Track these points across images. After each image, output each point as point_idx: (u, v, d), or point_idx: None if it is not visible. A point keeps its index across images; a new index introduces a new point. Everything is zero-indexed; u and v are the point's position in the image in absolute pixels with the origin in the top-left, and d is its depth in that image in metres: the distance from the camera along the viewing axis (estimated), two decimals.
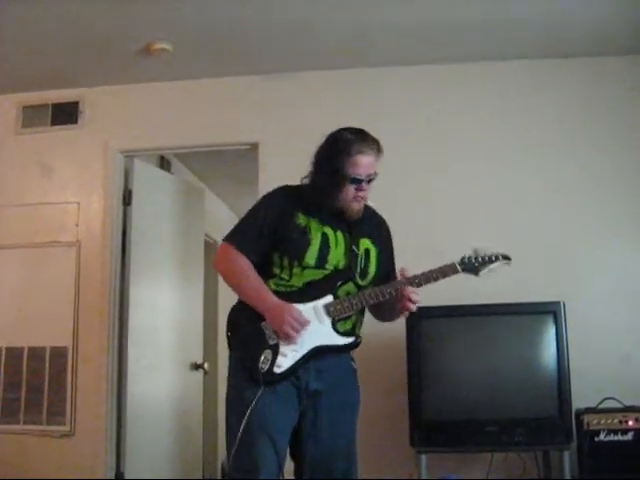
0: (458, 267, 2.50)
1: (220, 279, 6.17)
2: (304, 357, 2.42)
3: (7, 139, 4.69)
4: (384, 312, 2.65)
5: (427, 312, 3.54)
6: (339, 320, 2.47)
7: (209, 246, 5.85)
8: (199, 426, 5.01)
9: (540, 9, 3.69)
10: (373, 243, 2.60)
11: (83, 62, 4.29)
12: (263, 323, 2.43)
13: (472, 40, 4.07)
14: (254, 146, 4.47)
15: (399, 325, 3.54)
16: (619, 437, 3.41)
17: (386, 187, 4.00)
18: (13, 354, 4.40)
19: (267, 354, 2.39)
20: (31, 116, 4.68)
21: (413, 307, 2.45)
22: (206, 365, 4.96)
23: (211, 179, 6.31)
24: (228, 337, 2.56)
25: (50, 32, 3.87)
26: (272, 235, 2.50)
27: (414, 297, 2.43)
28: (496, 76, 4.33)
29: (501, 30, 3.93)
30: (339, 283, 2.48)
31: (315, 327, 2.43)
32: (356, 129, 2.52)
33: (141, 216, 4.59)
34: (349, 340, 2.49)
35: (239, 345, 2.51)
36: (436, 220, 4.17)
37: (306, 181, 2.58)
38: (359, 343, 2.55)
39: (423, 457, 3.47)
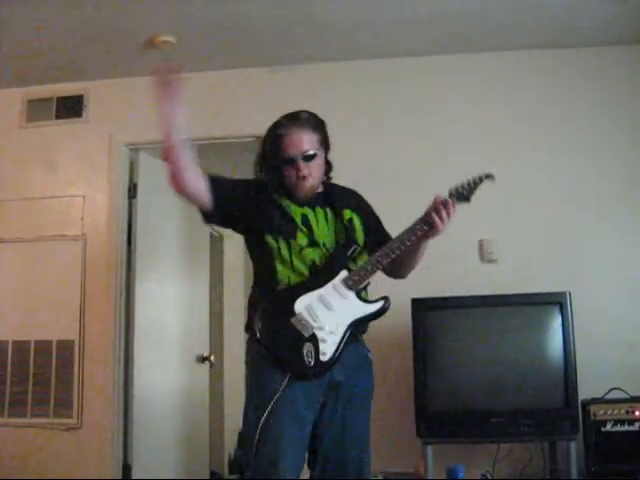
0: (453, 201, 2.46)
1: (225, 271, 6.19)
2: (344, 337, 2.40)
3: (12, 133, 4.70)
4: (401, 265, 2.61)
5: (433, 303, 3.57)
6: (361, 291, 2.47)
7: (214, 239, 5.85)
8: (205, 418, 5.03)
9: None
10: (354, 212, 2.60)
11: (87, 55, 4.29)
12: (292, 319, 2.39)
13: (472, 31, 4.05)
14: (259, 138, 4.44)
15: (405, 316, 3.56)
16: (626, 427, 3.41)
17: (387, 178, 4.06)
18: (20, 348, 4.41)
19: (308, 347, 2.36)
20: (36, 110, 4.68)
21: (439, 222, 2.41)
22: (212, 357, 4.97)
23: (216, 172, 6.30)
24: (259, 343, 2.44)
25: (54, 25, 3.87)
26: (247, 202, 2.55)
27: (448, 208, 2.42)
28: (498, 66, 4.32)
29: (504, 20, 3.91)
30: (349, 252, 2.48)
31: (342, 304, 2.42)
32: (283, 116, 2.57)
33: (146, 209, 4.59)
34: (380, 305, 2.46)
35: (276, 350, 2.41)
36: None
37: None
38: (389, 305, 2.48)
39: (429, 448, 3.48)
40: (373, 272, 2.46)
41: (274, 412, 2.34)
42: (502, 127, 4.25)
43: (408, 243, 2.44)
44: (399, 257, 2.49)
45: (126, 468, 4.30)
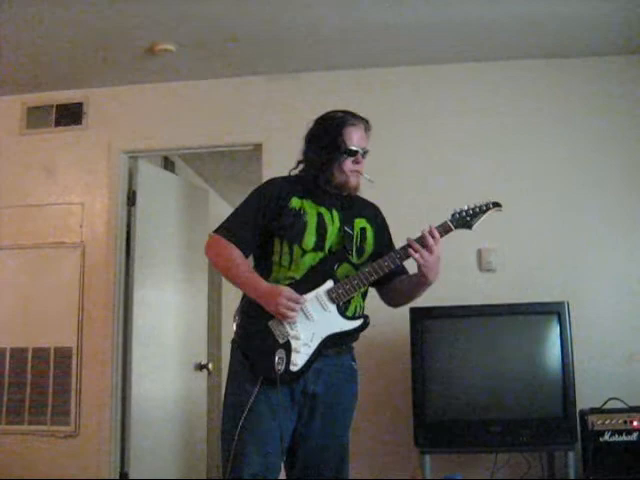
0: (450, 225, 2.45)
1: (223, 278, 6.20)
2: (317, 350, 2.39)
3: (11, 140, 4.70)
4: (402, 292, 2.61)
5: (431, 312, 3.56)
6: (344, 304, 2.44)
7: None
8: (203, 426, 5.01)
9: (541, 9, 3.69)
10: (368, 223, 2.61)
11: (87, 63, 4.30)
12: (270, 322, 2.39)
13: (472, 40, 4.06)
14: (257, 147, 4.47)
15: (403, 325, 3.56)
16: (624, 437, 3.39)
17: (387, 185, 4.06)
18: (17, 355, 4.41)
19: (280, 354, 2.35)
20: (35, 117, 4.68)
21: (423, 258, 2.37)
22: (210, 365, 4.96)
23: (215, 180, 6.32)
24: (236, 342, 2.51)
25: (54, 33, 3.87)
26: (265, 224, 2.49)
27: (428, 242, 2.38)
28: (499, 75, 4.33)
29: (501, 30, 3.92)
30: (336, 266, 2.45)
31: (322, 316, 2.40)
32: (343, 110, 2.58)
33: (145, 217, 4.59)
34: (358, 323, 2.44)
35: (250, 350, 2.44)
36: (436, 218, 4.15)
37: (295, 172, 2.61)
38: (368, 324, 2.47)
39: (427, 457, 3.46)
40: (359, 287, 2.44)
41: (242, 428, 2.34)
42: (502, 137, 4.26)
43: (398, 262, 2.43)
44: (400, 287, 2.55)
45: (123, 476, 4.29)
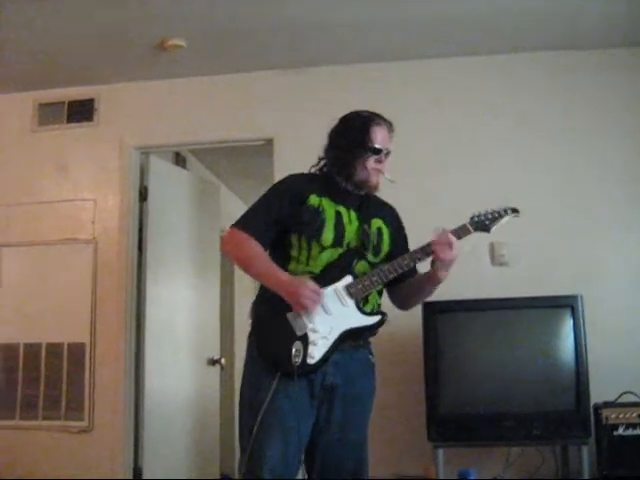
0: (470, 227, 2.46)
1: (236, 274, 6.21)
2: (335, 343, 2.39)
3: (23, 137, 4.72)
4: (412, 293, 2.63)
5: (444, 306, 3.55)
6: (362, 300, 2.45)
7: None
8: (216, 421, 5.03)
9: (546, 1, 3.68)
10: (385, 223, 2.62)
11: (98, 59, 4.31)
12: (288, 314, 2.39)
13: (480, 33, 4.05)
14: (269, 142, 4.47)
15: (416, 319, 3.55)
16: (638, 431, 3.38)
17: (399, 180, 4.05)
18: (31, 350, 4.44)
19: (297, 346, 2.35)
20: (47, 114, 4.70)
21: (446, 255, 2.37)
22: (223, 360, 4.97)
23: (226, 175, 6.33)
24: (253, 335, 2.52)
25: (64, 30, 3.89)
26: (283, 220, 2.50)
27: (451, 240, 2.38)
28: (503, 69, 4.31)
29: (508, 23, 3.91)
30: (354, 262, 2.46)
31: (340, 310, 2.41)
32: (368, 110, 2.61)
33: (157, 212, 4.60)
34: (377, 319, 2.45)
35: (267, 341, 2.46)
36: (446, 214, 4.14)
37: (314, 170, 2.63)
38: (385, 320, 2.47)
39: (440, 451, 3.46)
40: (377, 284, 2.45)
41: (261, 423, 2.34)
42: (511, 129, 4.24)
43: (418, 261, 2.45)
44: (410, 288, 2.57)
45: (137, 470, 4.31)
